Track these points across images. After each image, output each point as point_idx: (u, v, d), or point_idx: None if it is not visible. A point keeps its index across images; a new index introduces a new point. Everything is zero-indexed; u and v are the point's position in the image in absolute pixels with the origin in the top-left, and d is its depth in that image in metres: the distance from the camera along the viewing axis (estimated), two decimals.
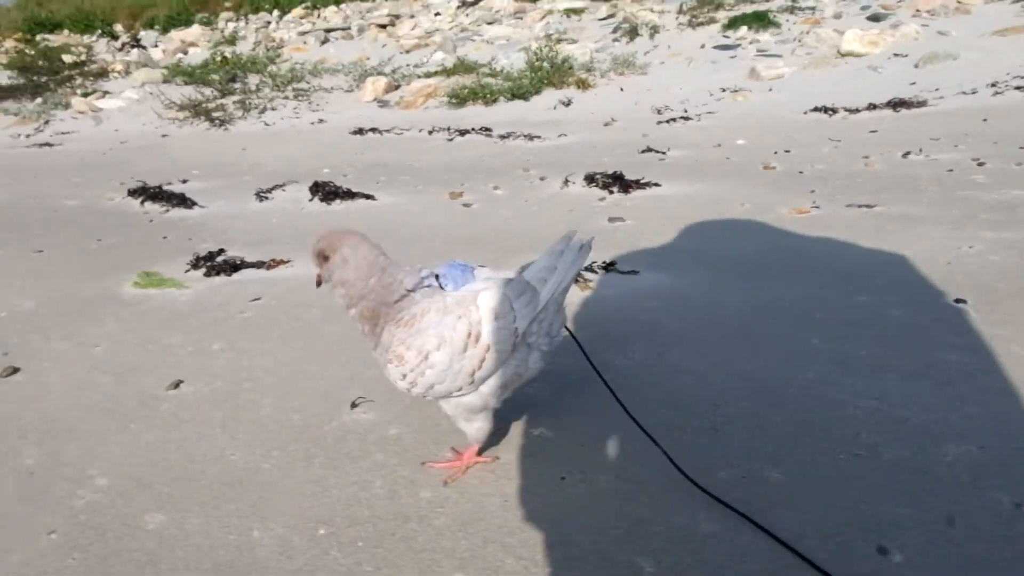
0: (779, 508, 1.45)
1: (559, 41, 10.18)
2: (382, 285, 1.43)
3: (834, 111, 6.11)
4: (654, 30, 10.75)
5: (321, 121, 7.70)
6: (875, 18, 10.01)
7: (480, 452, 1.62)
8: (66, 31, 14.32)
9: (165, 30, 14.03)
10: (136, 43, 12.72)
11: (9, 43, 13.42)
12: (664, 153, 5.12)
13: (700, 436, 1.71)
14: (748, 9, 10.99)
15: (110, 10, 15.35)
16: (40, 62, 10.81)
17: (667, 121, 6.45)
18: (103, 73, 10.42)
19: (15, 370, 2.27)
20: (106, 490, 1.55)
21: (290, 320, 2.51)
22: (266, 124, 7.67)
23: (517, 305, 1.40)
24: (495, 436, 1.66)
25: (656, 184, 4.19)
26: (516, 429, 1.71)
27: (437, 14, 13.83)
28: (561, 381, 1.91)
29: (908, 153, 4.50)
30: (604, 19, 12.13)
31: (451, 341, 1.38)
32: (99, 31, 13.98)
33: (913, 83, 6.79)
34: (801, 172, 4.32)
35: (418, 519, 1.43)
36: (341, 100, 8.52)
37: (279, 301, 2.74)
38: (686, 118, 6.50)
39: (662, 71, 8.61)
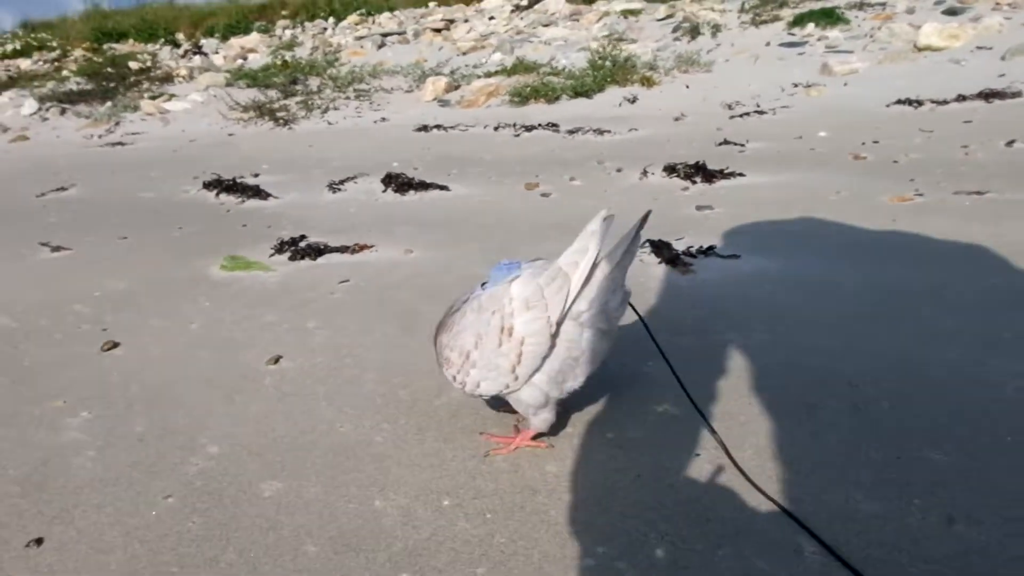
0: (947, 487, 1.34)
1: (619, 40, 10.10)
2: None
3: (919, 103, 5.88)
4: (716, 29, 10.59)
5: (383, 120, 7.77)
6: (952, 12, 9.65)
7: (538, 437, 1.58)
8: (131, 40, 14.87)
9: (224, 38, 14.45)
10: (198, 50, 13.12)
11: (78, 52, 13.98)
12: (743, 145, 4.99)
13: (840, 415, 1.61)
14: (814, 6, 10.74)
15: (172, 19, 15.90)
16: (108, 69, 11.22)
17: (740, 116, 6.31)
18: (168, 78, 10.74)
19: (115, 344, 2.30)
20: (218, 458, 1.55)
21: (383, 300, 2.52)
22: (329, 123, 7.77)
23: (548, 293, 1.37)
24: (619, 413, 1.66)
25: (740, 174, 4.08)
26: (640, 406, 1.66)
27: (491, 18, 13.92)
28: (683, 356, 1.83)
29: (1013, 141, 4.28)
30: (663, 19, 12.01)
31: (486, 337, 1.39)
32: (162, 39, 14.46)
33: (1002, 75, 6.50)
34: (896, 161, 4.15)
35: (547, 492, 1.39)
36: (402, 100, 8.60)
37: (368, 283, 2.73)
38: (760, 112, 6.35)
39: (727, 68, 8.45)
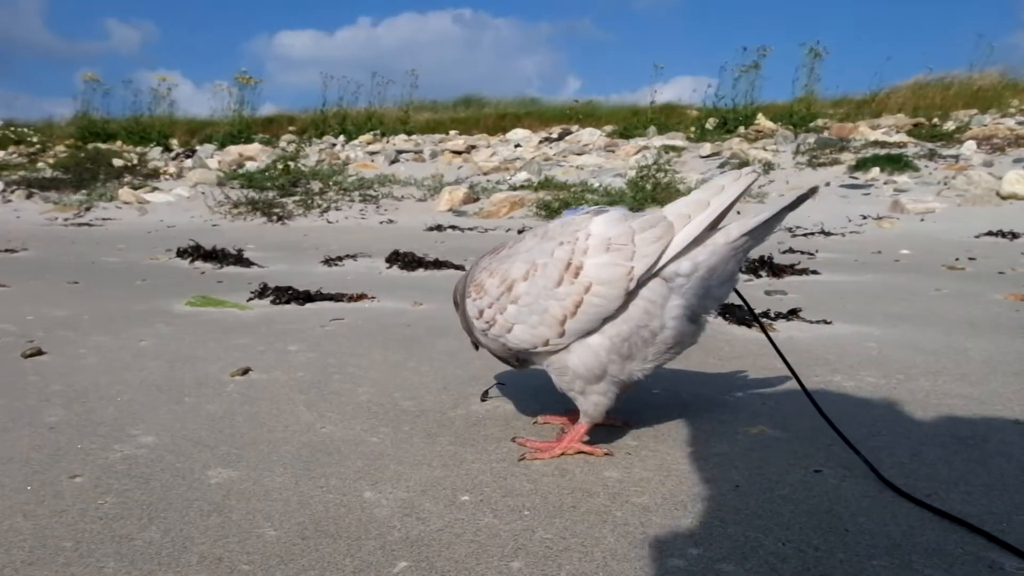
0: None
1: (662, 171, 10.49)
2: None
3: (1015, 235, 5.89)
4: (768, 166, 11.02)
5: (391, 221, 7.90)
6: None
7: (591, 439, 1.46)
8: (120, 142, 15.65)
9: (223, 145, 15.18)
10: (191, 153, 13.73)
11: (59, 147, 14.68)
12: (813, 254, 4.95)
13: (1012, 447, 1.39)
14: (879, 151, 11.22)
15: (169, 124, 16.84)
16: (88, 164, 11.68)
17: (804, 235, 6.35)
18: (154, 174, 11.13)
19: (39, 352, 2.13)
20: (152, 447, 1.47)
21: (386, 333, 2.50)
22: (329, 222, 7.89)
23: (640, 240, 1.29)
24: (699, 431, 1.56)
25: (814, 272, 3.98)
26: (724, 427, 1.58)
27: (517, 146, 14.64)
28: (779, 391, 1.73)
29: None
30: (708, 156, 12.56)
31: (543, 270, 1.31)
32: (154, 142, 15.21)
33: None
34: (1002, 273, 4.05)
35: (609, 495, 1.26)
36: (412, 207, 8.80)
37: (368, 322, 2.63)
38: (826, 234, 6.39)
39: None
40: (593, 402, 1.36)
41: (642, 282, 1.29)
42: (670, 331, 1.33)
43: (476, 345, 1.51)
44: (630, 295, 1.29)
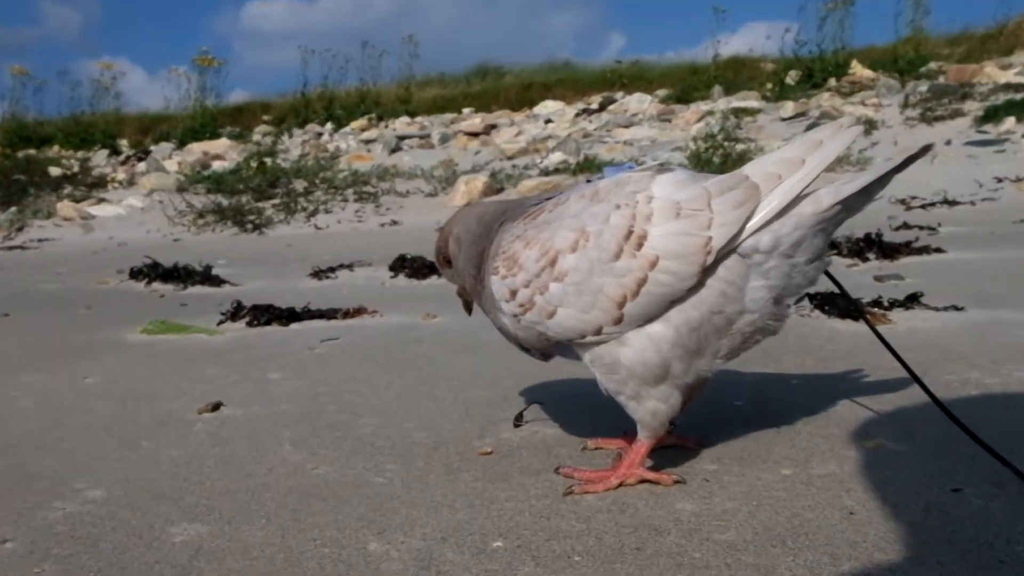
0: None
1: (732, 140, 10.43)
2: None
3: None
4: (871, 125, 10.91)
5: (394, 223, 7.93)
6: None
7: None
8: (56, 146, 15.93)
9: (183, 143, 15.38)
10: (144, 155, 13.93)
11: None
12: (934, 229, 4.88)
13: None
14: (1014, 96, 11.05)
15: (116, 121, 17.10)
16: (19, 176, 11.91)
17: (921, 207, 6.28)
18: (100, 183, 11.31)
19: None
20: (101, 502, 1.49)
21: (392, 352, 2.52)
22: (317, 227, 7.95)
23: (718, 204, 1.29)
24: (792, 448, 1.58)
25: (937, 250, 3.92)
26: (826, 443, 1.58)
27: (548, 121, 14.65)
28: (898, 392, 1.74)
29: None
30: (791, 118, 12.47)
31: (596, 239, 1.31)
32: (99, 145, 15.46)
33: None
34: None
35: (684, 533, 1.26)
36: (420, 204, 8.82)
37: (367, 341, 2.66)
38: (951, 203, 6.31)
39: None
40: (650, 409, 1.34)
41: (718, 258, 1.29)
42: (750, 317, 1.33)
43: (469, 307, 1.59)
44: (705, 273, 1.29)
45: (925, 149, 1.30)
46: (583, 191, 1.39)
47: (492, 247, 1.44)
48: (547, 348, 1.42)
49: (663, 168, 1.36)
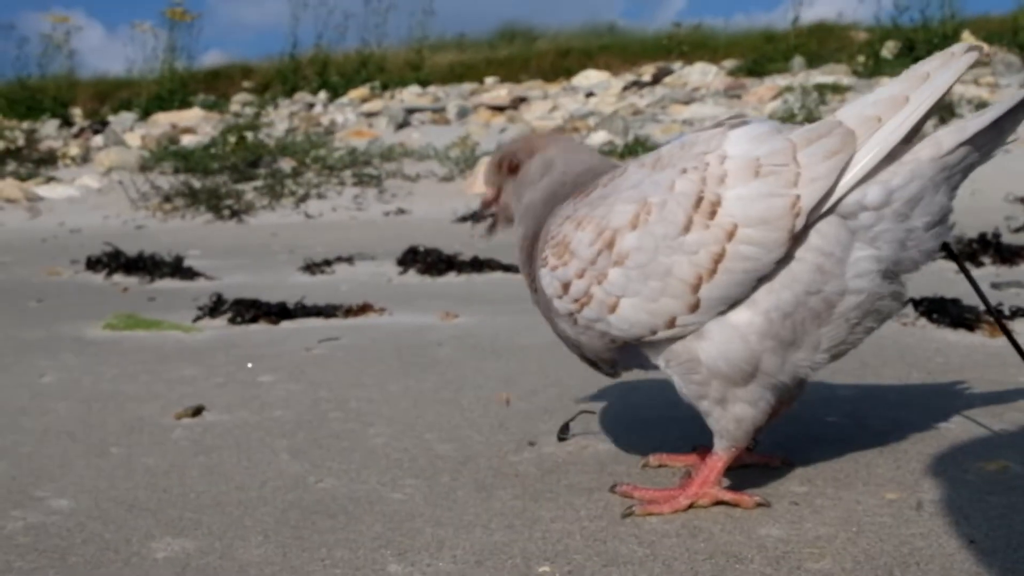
0: None
1: (815, 120, 10.44)
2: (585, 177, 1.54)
3: None
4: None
5: (400, 211, 7.98)
6: None
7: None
8: None
9: (147, 113, 15.52)
10: (102, 126, 14.07)
11: None
12: None
13: None
14: None
15: (69, 87, 17.27)
16: None
17: None
18: (50, 159, 11.43)
19: None
20: (68, 512, 1.54)
21: (405, 355, 2.57)
22: (308, 215, 8.01)
23: (806, 156, 1.30)
24: (901, 470, 1.62)
25: None
26: (939, 464, 1.60)
27: (590, 95, 14.70)
28: None
29: None
30: None
31: (660, 211, 1.34)
32: (48, 113, 15.62)
33: None
34: None
35: (770, 561, 1.32)
36: (433, 190, 8.87)
37: (375, 343, 2.72)
38: None
39: (1008, 159, 8.56)
40: (735, 415, 1.36)
41: (811, 221, 1.30)
42: (855, 299, 1.33)
43: (492, 226, 1.63)
44: (795, 241, 1.30)
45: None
46: (644, 159, 1.42)
47: (542, 233, 1.47)
48: (616, 356, 1.44)
49: (738, 121, 1.38)
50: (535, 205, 1.53)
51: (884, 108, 1.29)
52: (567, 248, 1.38)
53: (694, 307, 1.31)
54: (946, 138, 1.29)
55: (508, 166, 1.58)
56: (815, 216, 1.29)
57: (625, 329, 1.35)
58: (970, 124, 1.28)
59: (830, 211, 1.30)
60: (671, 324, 1.33)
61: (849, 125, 1.30)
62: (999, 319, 1.63)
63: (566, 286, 1.38)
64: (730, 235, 1.29)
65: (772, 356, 1.33)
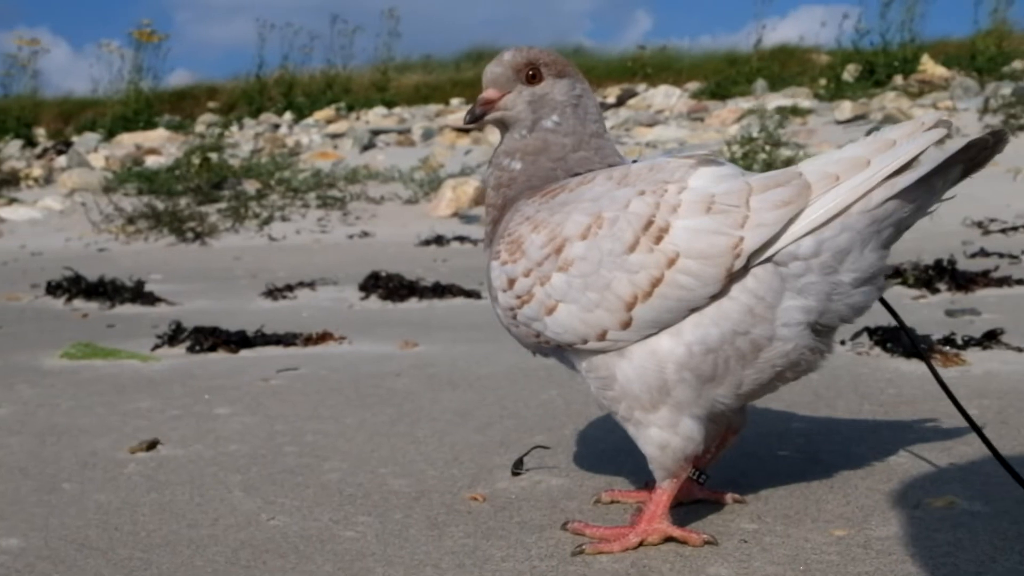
0: None
1: (775, 144, 10.51)
2: (594, 149, 1.56)
3: None
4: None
5: (364, 234, 8.00)
6: None
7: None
8: None
9: (112, 134, 15.44)
10: (65, 147, 13.98)
11: None
12: (1017, 257, 4.94)
13: None
14: None
15: (32, 107, 17.14)
16: None
17: (1001, 231, 6.37)
18: (11, 179, 11.35)
19: None
20: (17, 552, 1.53)
21: (364, 386, 2.58)
22: (272, 238, 8.00)
23: (758, 201, 1.34)
24: (848, 506, 1.65)
25: (1020, 281, 4.00)
26: (886, 500, 1.62)
27: None
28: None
29: None
30: (848, 121, 12.59)
31: (610, 226, 1.37)
32: (11, 134, 15.50)
33: None
34: None
35: None
36: (397, 213, 8.90)
37: (334, 372, 2.73)
38: None
39: (967, 184, 8.67)
40: (656, 441, 1.38)
41: (751, 264, 1.33)
42: (782, 347, 1.36)
43: (477, 117, 1.55)
44: (731, 280, 1.33)
45: (997, 135, 1.32)
46: (613, 172, 1.44)
47: (500, 226, 1.49)
48: (545, 352, 1.48)
49: (709, 159, 1.40)
50: (517, 179, 1.53)
51: (844, 167, 1.32)
52: (519, 247, 1.41)
53: (626, 324, 1.34)
54: (833, 197, 1.32)
55: (528, 73, 1.52)
56: (756, 260, 1.32)
57: (559, 333, 1.38)
58: (900, 180, 1.30)
59: (768, 259, 1.33)
60: (602, 337, 1.36)
61: (808, 178, 1.33)
62: (926, 359, 1.68)
63: (512, 282, 1.42)
64: (671, 262, 1.32)
65: (686, 388, 1.35)
